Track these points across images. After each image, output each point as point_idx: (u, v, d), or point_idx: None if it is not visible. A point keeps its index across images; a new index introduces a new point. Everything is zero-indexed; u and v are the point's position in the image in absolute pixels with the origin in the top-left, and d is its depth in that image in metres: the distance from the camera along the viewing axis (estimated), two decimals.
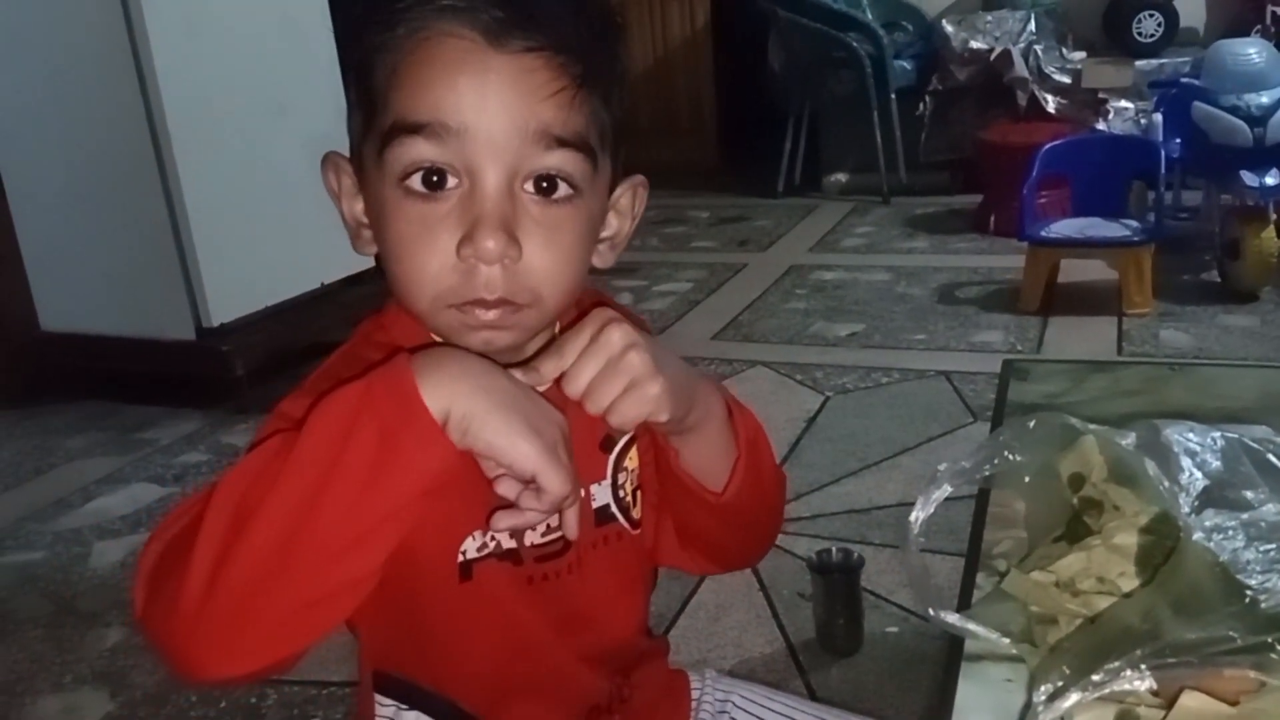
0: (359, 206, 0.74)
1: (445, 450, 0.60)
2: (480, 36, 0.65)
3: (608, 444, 0.79)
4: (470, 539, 0.73)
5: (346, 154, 0.75)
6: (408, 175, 0.67)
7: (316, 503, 0.58)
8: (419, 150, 0.66)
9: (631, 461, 0.81)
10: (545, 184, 0.68)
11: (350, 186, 0.74)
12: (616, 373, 0.67)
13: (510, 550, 0.74)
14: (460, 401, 0.60)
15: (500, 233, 0.66)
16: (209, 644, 0.59)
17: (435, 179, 0.67)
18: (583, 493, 0.75)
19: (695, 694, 0.94)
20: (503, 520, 0.65)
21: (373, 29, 0.68)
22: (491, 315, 0.68)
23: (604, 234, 0.76)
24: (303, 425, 0.60)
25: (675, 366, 0.71)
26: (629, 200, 0.78)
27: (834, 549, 1.88)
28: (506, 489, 0.63)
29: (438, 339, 0.74)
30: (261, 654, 0.61)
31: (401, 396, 0.59)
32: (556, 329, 0.77)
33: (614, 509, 0.80)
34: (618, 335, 0.67)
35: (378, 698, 0.78)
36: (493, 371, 0.63)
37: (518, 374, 0.66)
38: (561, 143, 0.67)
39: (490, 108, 0.65)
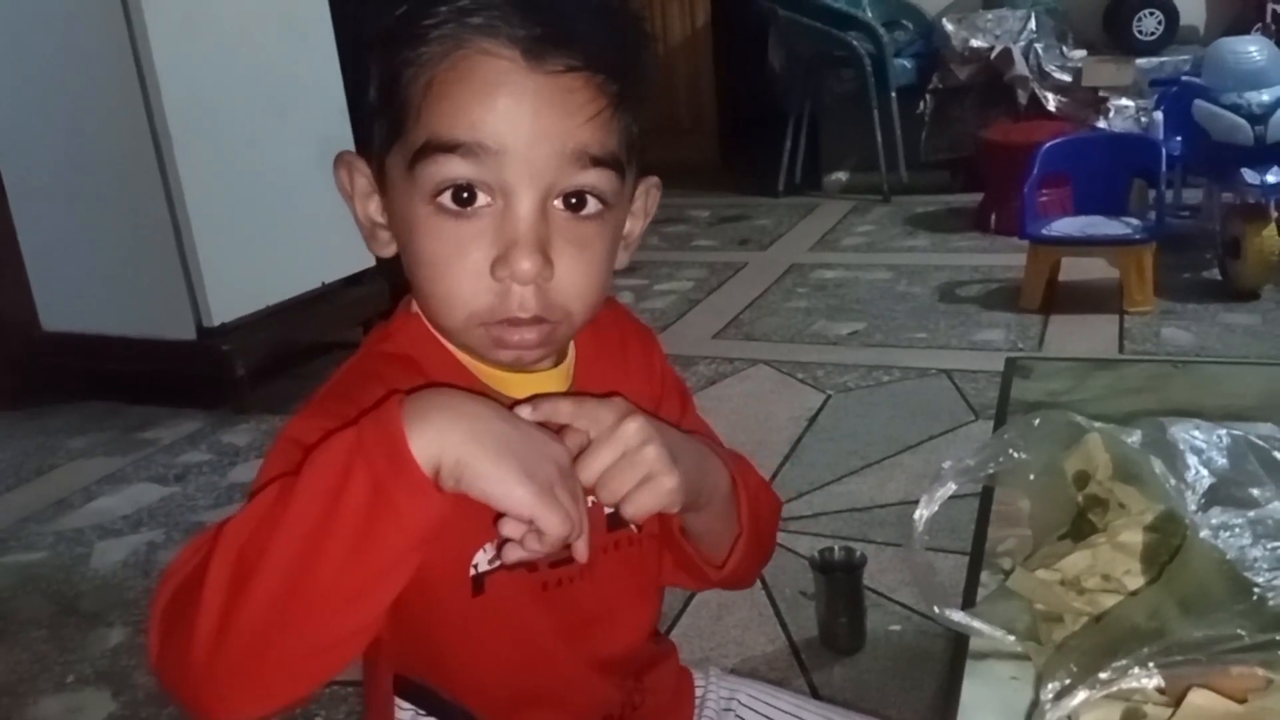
0: (373, 206, 0.74)
1: (437, 502, 0.59)
2: (519, 55, 0.65)
3: None
4: (481, 552, 0.72)
5: (355, 154, 0.74)
6: (440, 192, 0.67)
7: (314, 558, 0.57)
8: (454, 168, 0.66)
9: None
10: (575, 199, 0.68)
11: (365, 187, 0.74)
12: (633, 465, 0.66)
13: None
14: (450, 450, 0.59)
15: (536, 254, 0.66)
16: (222, 691, 0.59)
17: (466, 195, 0.66)
18: (592, 500, 0.75)
19: (699, 691, 0.94)
20: (512, 554, 0.64)
21: (403, 40, 0.67)
22: (527, 335, 0.69)
23: None
24: (300, 470, 0.59)
25: (687, 452, 0.71)
26: (643, 201, 0.78)
27: (836, 547, 1.88)
28: (510, 530, 0.62)
29: (448, 345, 0.75)
30: (275, 697, 0.60)
31: (391, 448, 0.58)
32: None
33: None
34: (635, 428, 0.66)
35: (398, 701, 0.78)
36: (484, 415, 0.61)
37: (525, 411, 0.65)
38: (596, 162, 0.67)
39: (528, 130, 0.65)
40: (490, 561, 0.73)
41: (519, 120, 0.65)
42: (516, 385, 0.75)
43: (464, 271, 0.67)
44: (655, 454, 0.67)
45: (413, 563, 0.59)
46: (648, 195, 0.78)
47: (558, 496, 0.61)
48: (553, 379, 0.78)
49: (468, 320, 0.69)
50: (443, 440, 0.59)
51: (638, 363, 0.86)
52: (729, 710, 0.93)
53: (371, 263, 3.34)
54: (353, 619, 0.59)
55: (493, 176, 0.66)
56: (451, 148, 0.65)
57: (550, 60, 0.65)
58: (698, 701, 0.93)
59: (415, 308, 0.77)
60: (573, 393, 0.71)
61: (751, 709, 0.94)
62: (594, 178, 0.68)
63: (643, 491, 0.67)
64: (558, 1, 0.67)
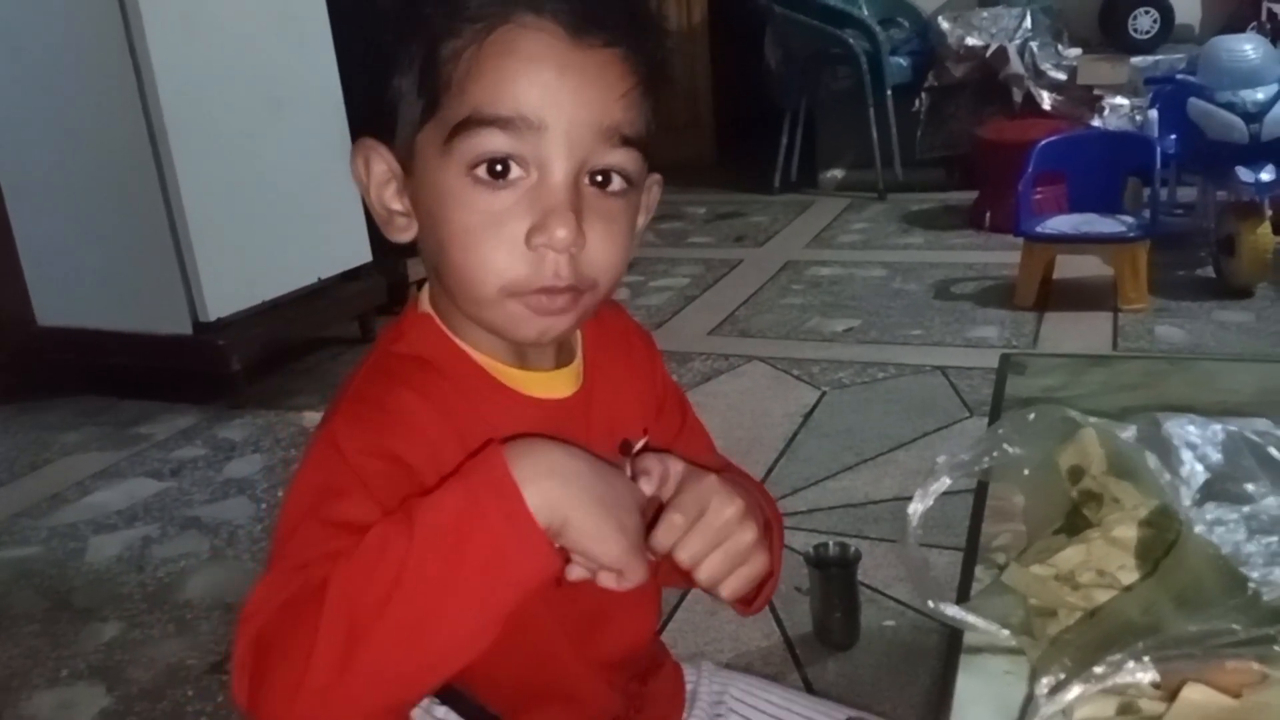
0: (389, 193, 0.74)
1: (557, 562, 0.62)
2: (562, 29, 0.66)
3: (626, 448, 0.80)
4: None
5: (377, 143, 0.74)
6: (477, 164, 0.67)
7: (435, 620, 0.60)
8: (495, 142, 0.67)
9: None
10: (601, 177, 0.70)
11: (383, 173, 0.74)
12: (733, 552, 0.69)
13: None
14: (559, 513, 0.62)
15: (573, 221, 0.67)
16: None
17: (500, 168, 0.67)
18: None
19: (690, 685, 0.94)
20: (573, 573, 0.66)
21: (441, 15, 0.68)
22: (558, 302, 0.70)
23: None
24: (409, 523, 0.60)
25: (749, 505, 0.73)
26: (646, 197, 0.79)
27: (831, 543, 1.88)
28: (579, 573, 0.65)
29: (459, 343, 0.75)
30: None
31: (513, 516, 0.60)
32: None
33: None
34: (733, 512, 0.69)
35: None
36: (583, 473, 0.64)
37: (645, 484, 0.68)
38: (626, 141, 0.69)
39: (570, 105, 0.67)
40: None
41: (561, 96, 0.66)
42: (533, 384, 0.76)
43: (500, 241, 0.68)
44: (751, 538, 0.69)
45: (519, 610, 0.62)
46: (650, 191, 0.79)
47: (640, 546, 0.65)
48: (564, 378, 0.78)
49: (501, 291, 0.69)
50: (554, 505, 0.61)
51: (642, 365, 0.87)
52: (720, 703, 0.94)
53: (368, 258, 3.34)
54: (463, 659, 0.63)
55: (531, 150, 0.67)
56: (495, 121, 0.66)
57: (590, 36, 0.67)
58: (688, 696, 0.93)
59: (425, 306, 0.77)
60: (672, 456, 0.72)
61: (743, 702, 0.94)
62: (622, 157, 0.70)
63: (738, 577, 0.69)
64: None
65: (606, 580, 0.65)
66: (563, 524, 0.62)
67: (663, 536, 0.67)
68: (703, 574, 0.68)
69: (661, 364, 0.89)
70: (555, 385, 0.77)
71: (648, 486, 0.68)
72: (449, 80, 0.67)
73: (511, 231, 0.68)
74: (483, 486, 0.61)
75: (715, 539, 0.68)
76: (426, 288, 0.78)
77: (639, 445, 0.81)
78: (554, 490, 0.62)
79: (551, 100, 0.66)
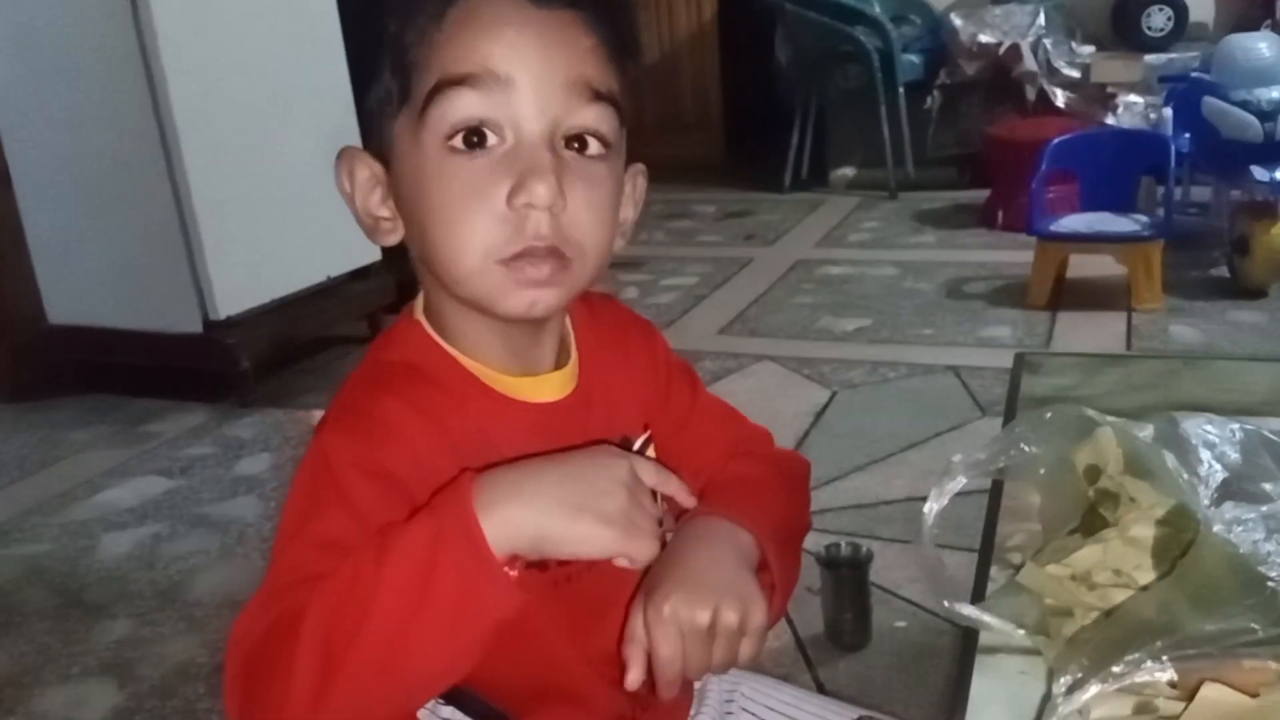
0: (375, 199, 0.74)
1: (519, 594, 0.63)
2: None
3: (626, 444, 0.80)
4: None
5: (356, 147, 0.74)
6: (453, 134, 0.67)
7: (404, 648, 0.61)
8: (465, 103, 0.67)
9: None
10: (577, 143, 0.69)
11: (367, 180, 0.73)
12: (728, 642, 0.69)
13: None
14: (524, 534, 0.63)
15: (551, 178, 0.66)
16: None
17: (476, 139, 0.67)
18: None
19: (697, 684, 0.94)
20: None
21: (400, 7, 0.69)
22: (543, 271, 0.69)
23: None
24: (381, 554, 0.61)
25: (733, 559, 0.73)
26: (631, 187, 0.79)
27: (842, 543, 1.87)
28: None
29: (449, 350, 0.74)
30: None
31: (473, 550, 0.61)
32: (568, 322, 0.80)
33: None
34: (704, 614, 0.68)
35: None
36: (544, 485, 0.64)
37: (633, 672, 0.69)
38: (598, 96, 0.69)
39: (535, 58, 0.67)
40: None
41: (526, 50, 0.67)
42: (525, 389, 0.76)
43: (480, 207, 0.67)
44: (734, 618, 0.69)
45: (492, 641, 0.63)
46: (635, 182, 0.79)
47: (636, 522, 0.66)
48: (560, 380, 0.78)
49: (484, 258, 0.68)
50: (519, 528, 0.63)
51: (641, 357, 0.86)
52: (730, 702, 0.93)
53: (377, 256, 3.34)
54: (436, 688, 0.66)
55: (503, 111, 0.67)
56: (461, 80, 0.66)
57: (552, 1, 0.68)
58: (696, 693, 0.93)
59: (417, 314, 0.77)
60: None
61: (753, 700, 0.94)
62: (597, 114, 0.69)
63: (746, 647, 0.70)
64: None
65: (621, 563, 0.67)
66: (537, 541, 0.63)
67: (665, 692, 0.69)
68: (719, 669, 0.70)
69: (663, 346, 0.89)
70: (548, 389, 0.77)
71: (635, 673, 0.69)
72: (416, 61, 0.68)
73: (491, 196, 0.67)
74: (448, 520, 0.62)
75: (705, 648, 0.69)
76: (421, 296, 0.78)
77: (639, 442, 0.81)
78: (516, 513, 0.63)
79: (517, 55, 0.66)
